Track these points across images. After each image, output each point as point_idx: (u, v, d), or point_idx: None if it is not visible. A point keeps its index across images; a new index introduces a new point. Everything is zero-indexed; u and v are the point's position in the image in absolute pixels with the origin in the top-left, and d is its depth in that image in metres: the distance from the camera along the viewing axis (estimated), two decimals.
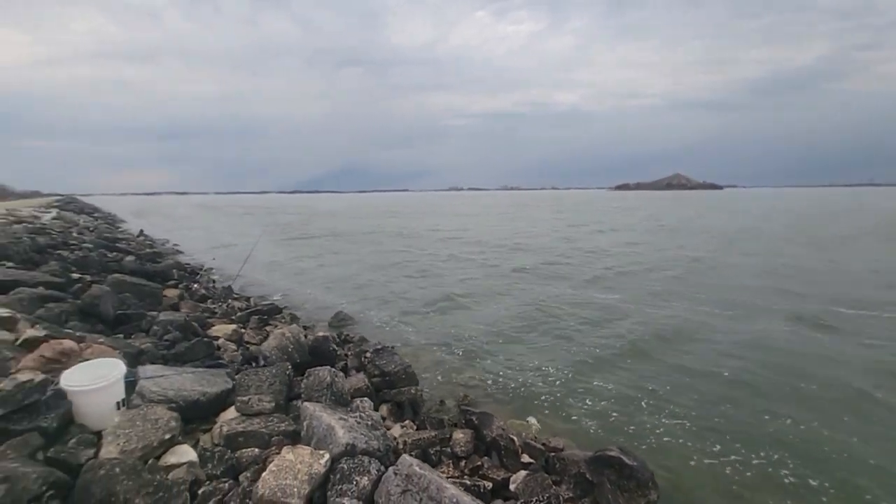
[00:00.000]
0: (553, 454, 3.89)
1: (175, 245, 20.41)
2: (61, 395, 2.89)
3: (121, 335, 5.36)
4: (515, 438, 3.92)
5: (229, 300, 9.58)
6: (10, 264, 7.66)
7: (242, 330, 7.00)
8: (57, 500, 2.25)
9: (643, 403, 5.35)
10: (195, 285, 9.49)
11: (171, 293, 9.28)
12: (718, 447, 4.46)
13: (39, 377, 2.91)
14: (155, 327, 5.54)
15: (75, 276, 8.27)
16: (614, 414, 5.10)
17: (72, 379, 2.92)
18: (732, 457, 4.30)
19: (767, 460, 4.24)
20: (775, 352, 6.83)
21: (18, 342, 3.89)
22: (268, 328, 7.37)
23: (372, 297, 10.57)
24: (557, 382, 5.90)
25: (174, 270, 10.59)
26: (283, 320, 8.29)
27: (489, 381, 5.96)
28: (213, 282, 11.76)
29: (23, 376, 2.89)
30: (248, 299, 10.00)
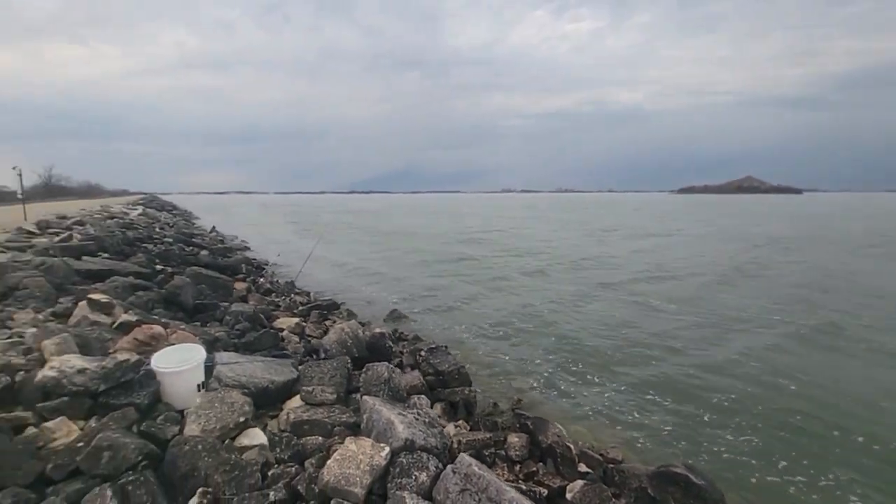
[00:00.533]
0: (612, 465, 3.75)
1: (243, 241, 21.80)
2: (151, 375, 3.19)
3: (198, 323, 5.81)
4: (572, 446, 3.83)
5: (291, 294, 10.10)
6: (106, 255, 8.54)
7: (304, 323, 7.35)
8: (149, 469, 2.47)
9: (702, 417, 5.06)
10: (261, 279, 10.09)
11: (240, 286, 9.93)
12: (784, 464, 4.14)
13: (134, 358, 3.23)
14: (227, 317, 5.96)
15: (159, 267, 9.08)
16: (669, 427, 4.85)
17: (161, 361, 3.21)
18: (798, 477, 3.98)
19: (836, 483, 3.89)
20: (848, 365, 6.20)
21: (115, 325, 4.33)
22: (327, 323, 7.69)
23: (425, 297, 10.72)
24: (612, 392, 5.70)
25: (243, 265, 11.32)
26: (341, 316, 8.62)
27: (541, 387, 5.87)
28: (277, 277, 12.46)
29: (120, 356, 3.22)
30: (308, 294, 10.48)
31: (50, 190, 55.91)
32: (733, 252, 18.36)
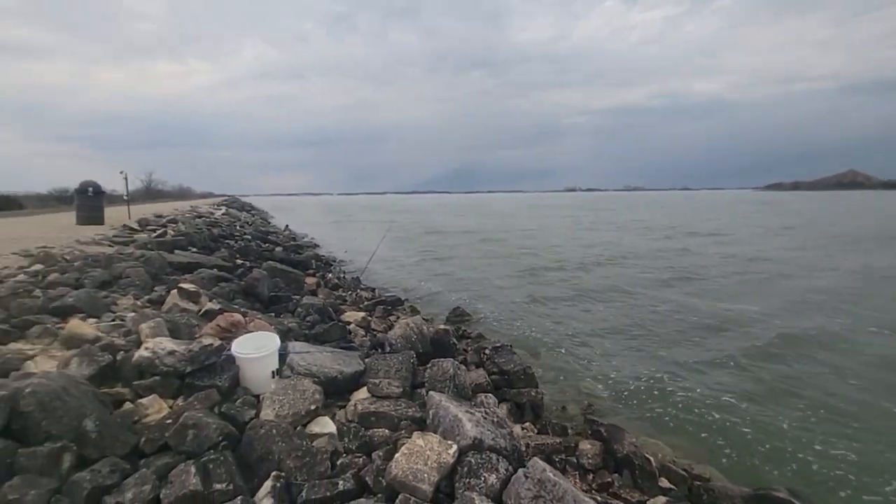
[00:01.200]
0: (699, 483, 3.40)
1: (312, 238, 22.96)
2: (231, 359, 3.34)
3: (273, 313, 6.11)
4: (652, 459, 3.51)
5: (357, 290, 10.40)
6: (195, 249, 9.30)
7: (370, 318, 7.51)
8: (228, 449, 2.57)
9: (804, 433, 4.46)
10: (329, 275, 10.49)
11: (311, 280, 10.38)
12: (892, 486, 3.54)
13: (217, 342, 3.41)
14: (299, 309, 6.21)
15: (239, 261, 9.74)
16: (765, 445, 4.32)
17: (240, 347, 3.36)
18: None
19: None
20: None
21: (200, 313, 4.65)
22: (391, 318, 7.80)
23: (487, 297, 10.58)
24: (695, 402, 5.20)
25: (312, 261, 11.86)
26: (405, 312, 8.73)
27: (613, 393, 5.50)
28: (344, 273, 12.93)
29: (205, 340, 3.41)
30: (373, 290, 10.75)
31: (150, 193, 62.45)
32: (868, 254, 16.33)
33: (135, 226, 11.59)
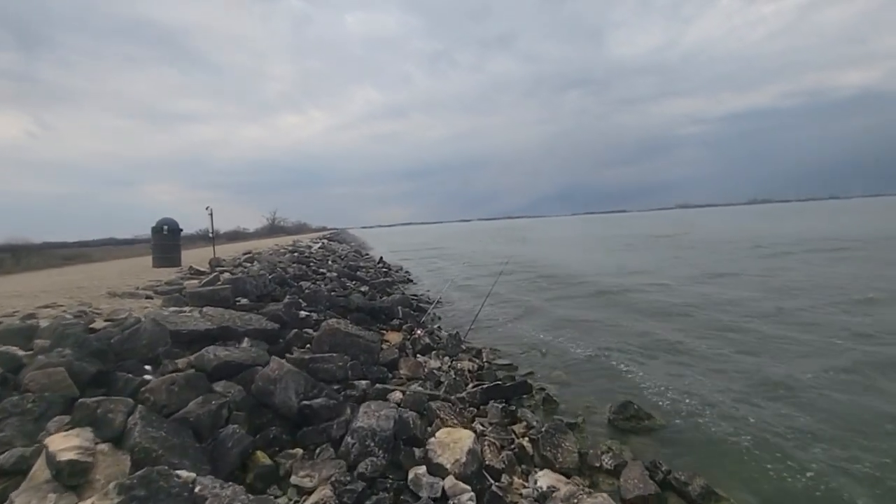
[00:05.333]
0: None
1: (406, 273, 20.68)
2: None
3: (300, 450, 3.18)
4: None
5: (458, 354, 7.28)
6: (245, 300, 7.01)
7: (482, 427, 4.28)
8: None
9: None
10: (419, 331, 7.54)
11: (393, 338, 7.55)
12: None
13: None
14: (349, 440, 3.20)
15: (303, 313, 7.26)
16: None
17: None
18: None
19: None
20: None
21: None
22: (516, 430, 4.45)
23: (673, 371, 6.66)
24: None
25: (399, 308, 9.09)
26: (534, 405, 5.34)
27: None
28: (439, 323, 9.94)
29: None
30: (479, 353, 7.54)
31: (273, 229, 67.65)
32: None
33: (202, 268, 9.97)
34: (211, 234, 13.44)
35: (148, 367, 3.83)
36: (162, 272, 10.20)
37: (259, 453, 3.02)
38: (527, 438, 4.29)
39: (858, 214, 56.05)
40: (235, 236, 53.61)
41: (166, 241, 11.12)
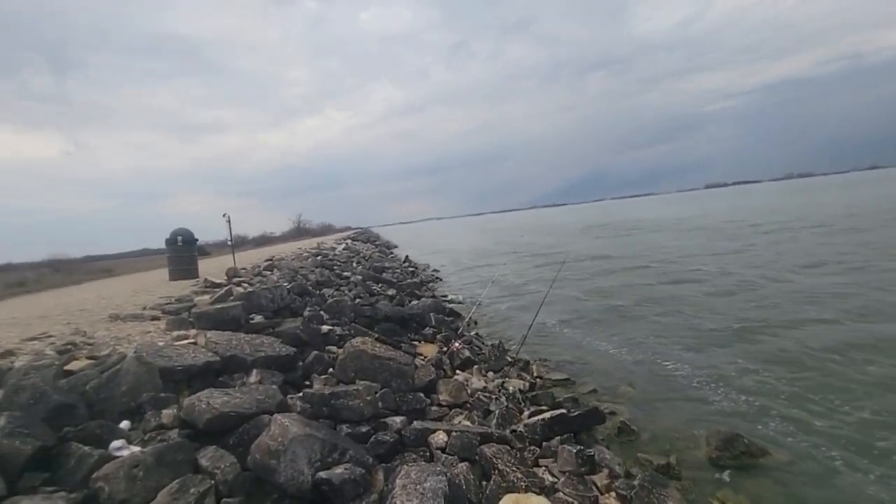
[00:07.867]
0: None
1: (434, 271, 19.76)
2: None
3: None
4: None
5: (503, 367, 6.31)
6: (260, 317, 6.21)
7: (556, 490, 3.27)
8: None
9: None
10: (456, 343, 6.57)
11: (427, 351, 6.66)
12: None
13: None
14: None
15: (325, 328, 6.42)
16: None
17: None
18: None
19: None
20: None
21: None
22: (597, 483, 3.43)
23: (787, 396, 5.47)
24: None
25: (431, 315, 8.16)
26: (605, 438, 4.31)
27: None
28: (475, 328, 8.94)
29: None
30: (527, 366, 6.52)
31: (299, 231, 68.07)
32: None
33: (218, 280, 9.30)
34: (229, 242, 12.81)
35: (124, 425, 3.01)
36: (177, 286, 9.60)
37: None
38: (614, 494, 3.27)
39: None
40: (263, 241, 54.11)
41: (181, 252, 10.52)
